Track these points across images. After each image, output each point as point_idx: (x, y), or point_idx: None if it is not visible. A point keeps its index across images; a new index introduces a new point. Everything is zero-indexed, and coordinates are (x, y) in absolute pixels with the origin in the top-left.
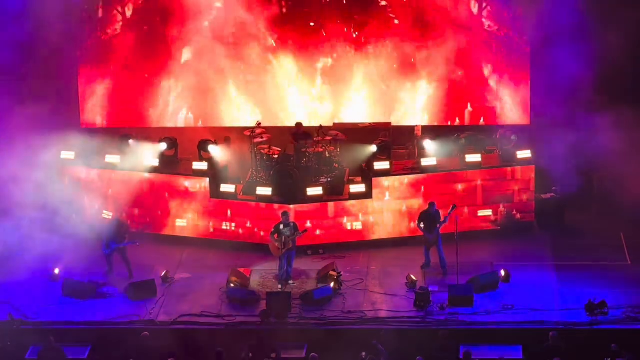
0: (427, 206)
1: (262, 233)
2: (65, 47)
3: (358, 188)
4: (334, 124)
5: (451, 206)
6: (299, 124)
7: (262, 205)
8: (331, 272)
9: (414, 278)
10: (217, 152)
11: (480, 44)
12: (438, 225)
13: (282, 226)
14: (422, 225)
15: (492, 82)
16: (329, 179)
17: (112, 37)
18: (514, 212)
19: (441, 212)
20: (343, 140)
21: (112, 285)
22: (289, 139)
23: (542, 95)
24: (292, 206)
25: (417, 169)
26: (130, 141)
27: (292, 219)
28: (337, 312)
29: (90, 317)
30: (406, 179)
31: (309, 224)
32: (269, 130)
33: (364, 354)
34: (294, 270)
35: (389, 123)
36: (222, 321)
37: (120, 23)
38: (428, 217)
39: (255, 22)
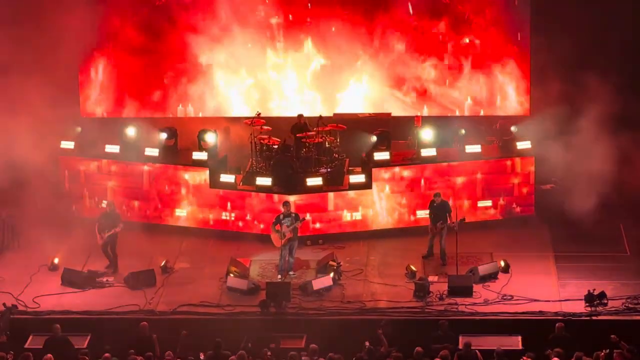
0: (433, 196)
1: (261, 226)
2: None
3: (358, 178)
4: (334, 114)
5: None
6: (300, 116)
7: (262, 195)
8: (331, 263)
9: (414, 268)
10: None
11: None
12: (445, 222)
13: (282, 217)
14: (431, 215)
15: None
16: (329, 169)
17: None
18: (514, 205)
19: (450, 203)
20: (343, 131)
21: (111, 274)
22: (288, 130)
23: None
24: (292, 198)
25: (417, 159)
26: (130, 131)
27: (292, 209)
28: (337, 303)
29: (89, 306)
30: (406, 169)
31: (308, 217)
32: (268, 120)
33: (367, 343)
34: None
35: (389, 113)
36: (222, 311)
37: None
38: (434, 207)
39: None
